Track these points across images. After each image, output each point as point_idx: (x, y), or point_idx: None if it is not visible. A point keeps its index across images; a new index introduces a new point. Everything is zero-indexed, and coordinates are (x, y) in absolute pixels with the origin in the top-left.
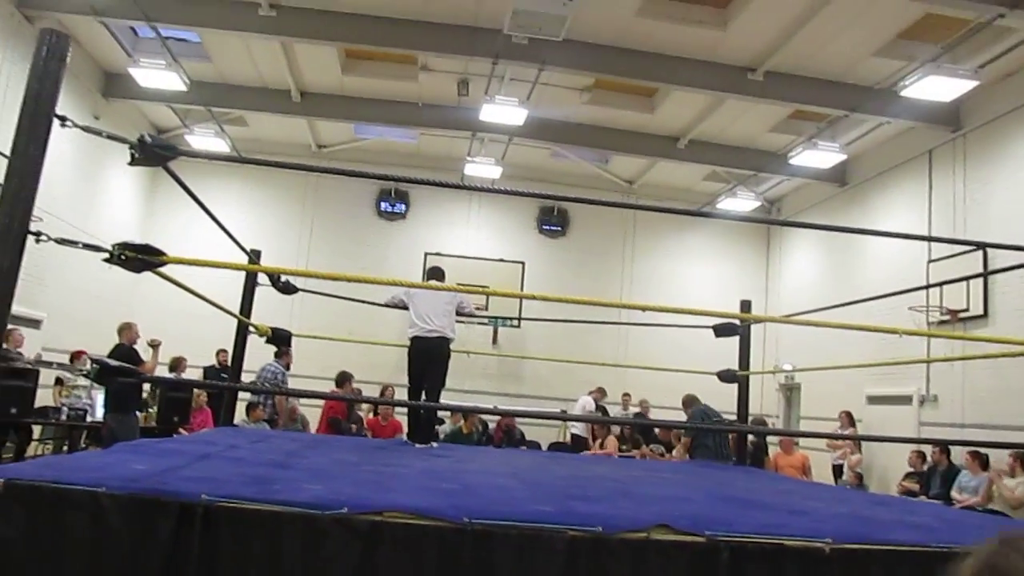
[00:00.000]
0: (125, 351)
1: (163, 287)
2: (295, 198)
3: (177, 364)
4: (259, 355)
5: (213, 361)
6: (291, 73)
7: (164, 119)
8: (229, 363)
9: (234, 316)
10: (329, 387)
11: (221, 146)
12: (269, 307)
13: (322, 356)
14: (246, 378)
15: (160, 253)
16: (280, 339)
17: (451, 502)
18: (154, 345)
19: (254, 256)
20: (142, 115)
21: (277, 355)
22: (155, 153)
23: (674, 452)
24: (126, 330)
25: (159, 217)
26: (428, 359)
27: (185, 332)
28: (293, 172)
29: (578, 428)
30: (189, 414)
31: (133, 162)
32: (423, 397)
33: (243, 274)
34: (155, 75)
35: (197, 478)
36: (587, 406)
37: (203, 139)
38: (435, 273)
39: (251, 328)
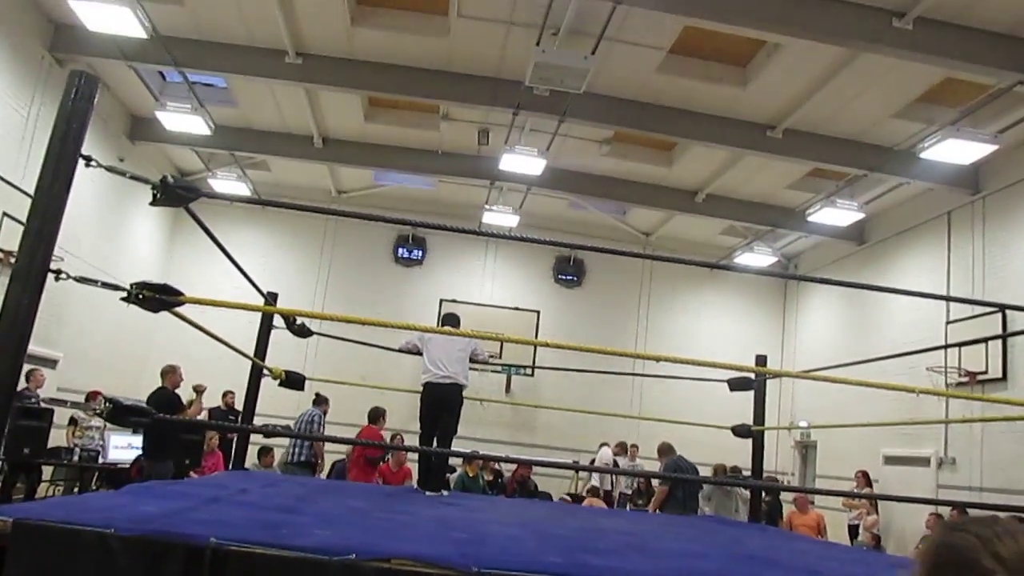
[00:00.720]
0: (167, 395)
1: (179, 330)
2: (313, 243)
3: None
4: (270, 399)
5: (219, 403)
6: (314, 119)
7: (188, 162)
8: (234, 404)
9: (249, 358)
10: (341, 431)
11: (243, 190)
12: (285, 351)
13: (334, 401)
14: (259, 421)
15: (178, 293)
16: (294, 383)
17: (460, 551)
18: (199, 391)
19: (270, 299)
20: (166, 158)
21: (316, 402)
22: (177, 194)
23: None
24: (170, 374)
25: (178, 259)
26: (441, 406)
27: (199, 374)
28: (312, 217)
29: (597, 480)
30: (201, 457)
31: (155, 202)
32: (435, 444)
33: (259, 317)
34: (181, 119)
35: (206, 521)
36: (605, 458)
37: (225, 183)
38: (450, 320)
39: (266, 371)
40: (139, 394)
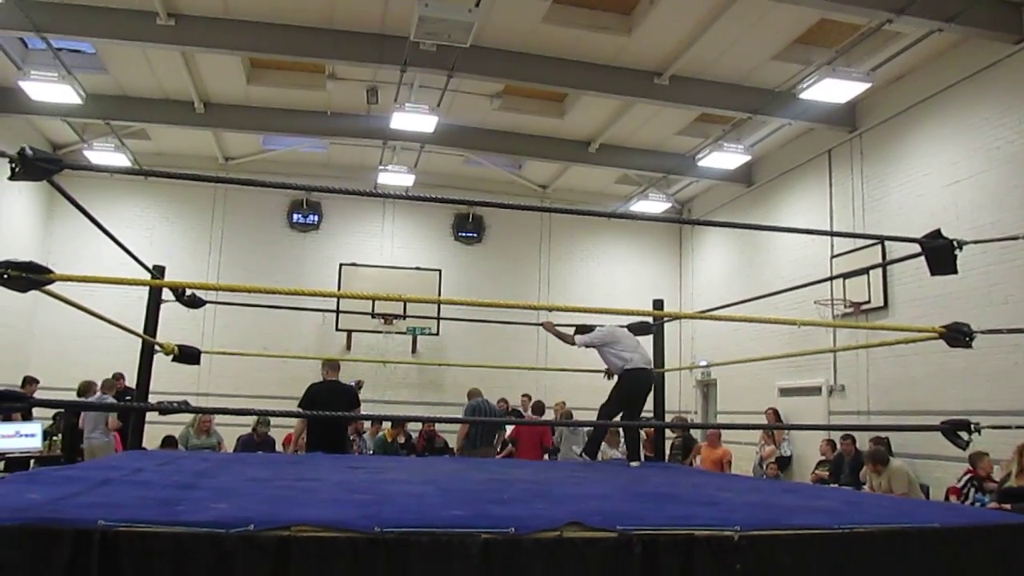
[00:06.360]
0: (347, 389)
1: (62, 311)
2: (203, 212)
3: (87, 388)
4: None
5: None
6: (193, 84)
7: (60, 134)
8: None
9: (137, 335)
10: (247, 403)
11: (122, 160)
12: (182, 326)
13: (237, 373)
14: (153, 399)
15: (46, 271)
16: (188, 357)
17: (363, 512)
18: (358, 386)
19: (157, 272)
20: (36, 131)
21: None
22: (38, 167)
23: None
24: (335, 367)
25: (58, 236)
26: (648, 389)
27: (90, 355)
28: (200, 186)
29: None
30: None
31: (13, 176)
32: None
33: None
34: (48, 88)
35: (95, 504)
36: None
37: (102, 154)
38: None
39: (157, 347)
40: (24, 373)
